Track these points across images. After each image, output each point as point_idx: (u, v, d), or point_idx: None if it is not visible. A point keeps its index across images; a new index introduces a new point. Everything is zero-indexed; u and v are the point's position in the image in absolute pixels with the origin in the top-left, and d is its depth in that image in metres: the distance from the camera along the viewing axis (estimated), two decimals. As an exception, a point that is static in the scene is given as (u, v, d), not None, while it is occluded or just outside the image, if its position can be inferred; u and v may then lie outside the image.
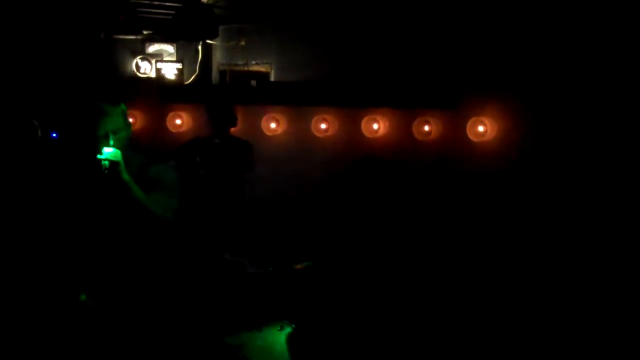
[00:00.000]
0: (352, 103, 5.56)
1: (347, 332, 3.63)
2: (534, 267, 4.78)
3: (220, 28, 6.26)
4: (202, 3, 6.00)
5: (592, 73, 4.85)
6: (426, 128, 5.27)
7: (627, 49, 4.80)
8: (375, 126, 5.40)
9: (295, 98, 5.76)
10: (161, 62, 6.49)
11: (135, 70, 6.47)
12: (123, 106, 2.91)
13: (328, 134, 5.59)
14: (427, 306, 3.79)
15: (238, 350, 3.57)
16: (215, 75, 6.57)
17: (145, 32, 6.47)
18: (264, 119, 5.74)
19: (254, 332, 3.86)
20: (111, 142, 2.83)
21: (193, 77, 6.44)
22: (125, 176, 2.82)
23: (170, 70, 6.49)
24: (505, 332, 4.36)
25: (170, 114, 6.00)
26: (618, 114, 4.75)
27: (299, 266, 4.15)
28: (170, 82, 6.47)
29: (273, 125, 5.72)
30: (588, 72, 4.86)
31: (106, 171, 2.81)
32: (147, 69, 6.46)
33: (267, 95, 5.91)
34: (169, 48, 6.60)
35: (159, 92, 6.16)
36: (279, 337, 3.87)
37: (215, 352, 3.61)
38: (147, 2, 6.09)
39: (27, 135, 5.34)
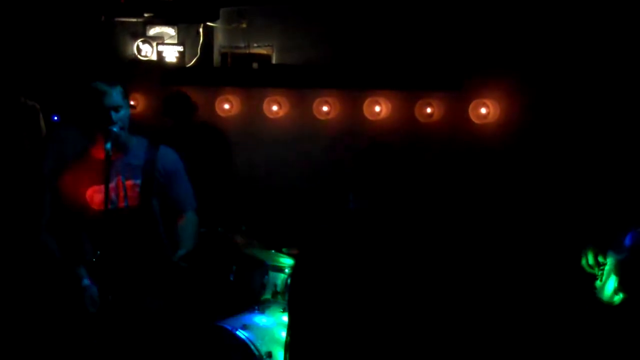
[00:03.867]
0: (354, 85, 5.54)
1: (350, 319, 3.62)
2: (536, 250, 4.78)
3: (222, 10, 6.22)
4: (203, -15, 5.97)
5: (596, 55, 4.81)
6: (428, 110, 5.25)
7: (630, 31, 4.77)
8: (377, 108, 5.39)
9: (297, 81, 5.74)
10: (162, 45, 6.46)
11: (137, 53, 6.44)
12: (120, 86, 2.93)
13: (330, 116, 5.57)
14: (431, 300, 3.78)
15: (240, 330, 3.59)
16: (216, 57, 6.54)
17: (146, 15, 6.42)
18: (265, 102, 5.73)
19: (257, 313, 3.88)
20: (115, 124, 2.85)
21: (194, 59, 6.41)
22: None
23: (171, 53, 6.46)
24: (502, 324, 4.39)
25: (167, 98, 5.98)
26: (621, 96, 4.72)
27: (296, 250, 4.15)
28: (171, 64, 6.44)
29: (275, 108, 5.70)
30: (592, 53, 4.83)
31: (109, 155, 2.82)
32: (148, 52, 6.43)
33: (268, 78, 5.89)
34: (170, 31, 6.56)
35: (161, 75, 6.14)
36: (282, 319, 3.89)
37: (216, 333, 3.63)
38: (148, -16, 6.07)
39: (29, 120, 5.34)
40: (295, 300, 2.85)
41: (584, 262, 3.30)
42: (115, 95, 2.86)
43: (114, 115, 2.85)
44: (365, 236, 3.35)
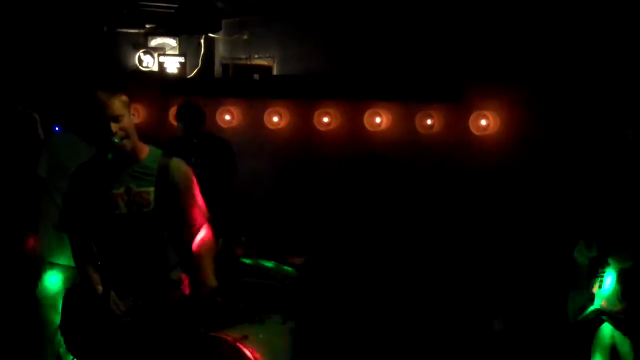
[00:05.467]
0: (355, 97, 5.55)
1: (349, 328, 3.63)
2: (536, 262, 4.78)
3: (223, 22, 6.26)
4: (205, -3, 6.01)
5: (596, 64, 4.83)
6: (429, 122, 5.26)
7: (631, 42, 4.79)
8: (378, 120, 5.40)
9: (298, 92, 5.76)
10: (164, 56, 6.49)
11: (138, 64, 6.47)
12: (122, 95, 2.91)
13: (331, 127, 5.59)
14: (428, 304, 3.79)
15: (241, 342, 3.58)
16: (218, 69, 6.57)
17: (148, 26, 6.47)
18: (267, 113, 5.74)
19: (257, 325, 3.87)
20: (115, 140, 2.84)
21: (196, 71, 6.44)
22: None
23: (173, 64, 6.49)
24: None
25: (173, 108, 6.00)
26: (622, 107, 4.73)
27: (299, 260, 4.16)
28: (173, 76, 6.47)
29: (276, 119, 5.72)
30: (592, 63, 4.84)
31: (112, 164, 2.83)
32: (149, 63, 6.46)
33: (270, 89, 5.91)
34: (171, 42, 6.60)
35: (162, 86, 6.16)
36: (282, 330, 3.88)
37: (217, 344, 3.62)
38: (150, -5, 6.12)
39: (27, 130, 5.35)
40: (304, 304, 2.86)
41: (578, 254, 3.31)
42: (116, 105, 2.85)
43: (114, 126, 2.83)
44: (369, 245, 3.36)
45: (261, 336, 3.75)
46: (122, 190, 2.91)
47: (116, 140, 2.82)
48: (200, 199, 3.11)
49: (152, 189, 2.92)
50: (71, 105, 4.31)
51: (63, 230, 3.08)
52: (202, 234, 3.13)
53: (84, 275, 2.99)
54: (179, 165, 3.06)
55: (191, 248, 3.09)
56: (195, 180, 3.10)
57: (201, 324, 3.64)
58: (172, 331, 3.01)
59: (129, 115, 2.91)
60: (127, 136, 2.86)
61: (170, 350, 3.01)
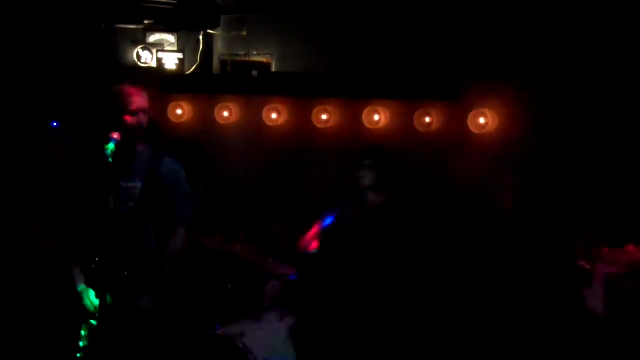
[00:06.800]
0: (353, 94, 5.55)
1: (348, 325, 3.63)
2: (535, 264, 4.78)
3: (222, 18, 6.25)
4: (204, -7, 5.99)
5: (595, 61, 4.83)
6: (427, 119, 5.26)
7: (631, 39, 4.79)
8: (376, 117, 5.40)
9: (296, 89, 5.76)
10: (162, 52, 6.46)
11: (136, 60, 6.44)
12: (147, 92, 3.02)
13: (329, 124, 5.59)
14: (428, 304, 3.79)
15: (238, 338, 3.58)
16: (216, 65, 6.56)
17: (146, 22, 6.44)
18: (265, 110, 5.74)
19: (255, 321, 3.87)
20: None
21: (194, 67, 6.42)
22: None
23: (171, 60, 6.46)
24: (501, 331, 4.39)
25: (171, 104, 6.00)
26: (623, 106, 4.74)
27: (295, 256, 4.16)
28: (171, 72, 6.44)
29: (274, 115, 5.71)
30: (591, 60, 4.84)
31: (109, 159, 2.82)
32: (148, 59, 6.43)
33: (268, 85, 5.90)
34: (170, 38, 6.57)
35: (160, 82, 6.14)
36: (279, 326, 3.88)
37: (214, 340, 3.62)
38: (149, -9, 6.10)
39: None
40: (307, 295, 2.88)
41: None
42: (142, 98, 2.95)
43: (136, 118, 2.92)
44: (366, 235, 3.36)
45: (258, 333, 3.76)
46: (112, 185, 2.94)
47: (115, 137, 2.84)
48: (185, 199, 3.12)
49: (139, 185, 2.96)
50: (78, 99, 4.32)
51: (54, 228, 3.09)
52: (173, 237, 3.16)
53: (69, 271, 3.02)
54: (168, 163, 3.09)
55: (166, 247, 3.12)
56: (184, 181, 3.13)
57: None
58: (148, 330, 3.04)
59: (146, 112, 2.99)
60: (141, 129, 2.92)
61: (163, 344, 3.03)
